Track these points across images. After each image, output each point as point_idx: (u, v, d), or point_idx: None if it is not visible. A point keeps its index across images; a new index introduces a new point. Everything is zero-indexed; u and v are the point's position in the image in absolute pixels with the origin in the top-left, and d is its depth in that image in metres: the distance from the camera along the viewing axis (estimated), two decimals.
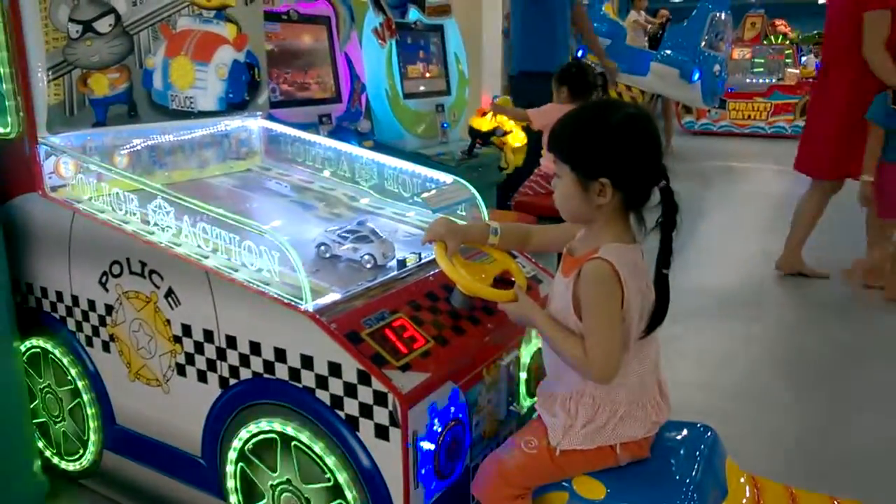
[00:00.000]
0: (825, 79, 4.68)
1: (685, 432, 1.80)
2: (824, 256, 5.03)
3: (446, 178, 2.54)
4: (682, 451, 1.73)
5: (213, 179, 2.70)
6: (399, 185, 2.66)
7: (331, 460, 1.72)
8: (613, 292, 1.53)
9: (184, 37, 2.44)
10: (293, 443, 1.79)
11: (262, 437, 1.85)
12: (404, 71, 4.41)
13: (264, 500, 1.92)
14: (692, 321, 4.00)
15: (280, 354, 1.77)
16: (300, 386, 1.75)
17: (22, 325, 2.25)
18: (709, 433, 1.81)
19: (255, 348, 1.82)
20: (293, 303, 1.75)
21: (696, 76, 8.71)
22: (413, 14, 4.54)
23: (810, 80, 14.55)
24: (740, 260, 5.42)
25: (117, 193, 2.16)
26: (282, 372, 1.78)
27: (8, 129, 2.14)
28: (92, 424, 2.30)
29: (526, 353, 2.07)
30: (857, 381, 3.38)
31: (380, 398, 1.62)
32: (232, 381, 1.90)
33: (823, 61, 4.81)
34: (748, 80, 13.50)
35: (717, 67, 8.94)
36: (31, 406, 2.38)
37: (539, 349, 1.97)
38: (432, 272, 2.04)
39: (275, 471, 1.86)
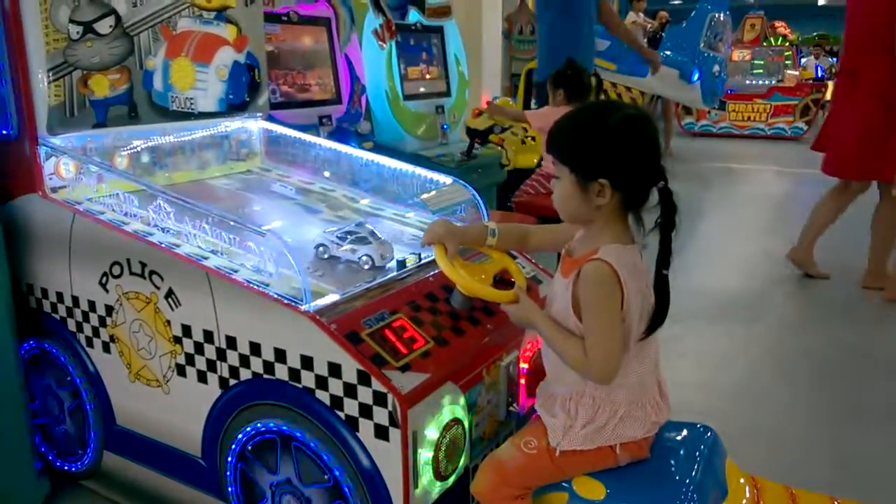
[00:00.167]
0: (851, 79, 4.59)
1: (685, 433, 1.80)
2: (826, 257, 5.03)
3: (446, 179, 2.54)
4: (681, 452, 1.73)
5: (213, 180, 2.70)
6: (399, 186, 2.66)
7: (330, 460, 1.72)
8: (613, 293, 1.53)
9: (184, 38, 2.44)
10: (293, 443, 1.79)
11: (261, 437, 1.85)
12: (404, 72, 4.42)
13: (264, 501, 1.92)
14: (692, 322, 4.01)
15: (280, 355, 1.77)
16: (300, 386, 1.75)
17: (22, 325, 2.25)
18: (709, 433, 1.81)
19: (255, 349, 1.82)
20: (293, 303, 1.75)
21: (696, 77, 8.73)
22: (413, 15, 4.55)
23: (810, 81, 14.59)
24: (740, 261, 5.42)
25: (118, 194, 2.16)
26: (282, 372, 1.78)
27: (8, 130, 2.14)
28: (92, 425, 2.30)
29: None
30: (857, 381, 3.38)
31: (379, 398, 1.62)
32: (232, 382, 1.90)
33: (847, 61, 4.68)
34: (748, 82, 13.51)
35: (716, 68, 8.95)
36: (32, 407, 2.38)
37: (539, 350, 1.97)
38: (432, 273, 2.05)
39: (275, 471, 1.86)
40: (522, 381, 2.06)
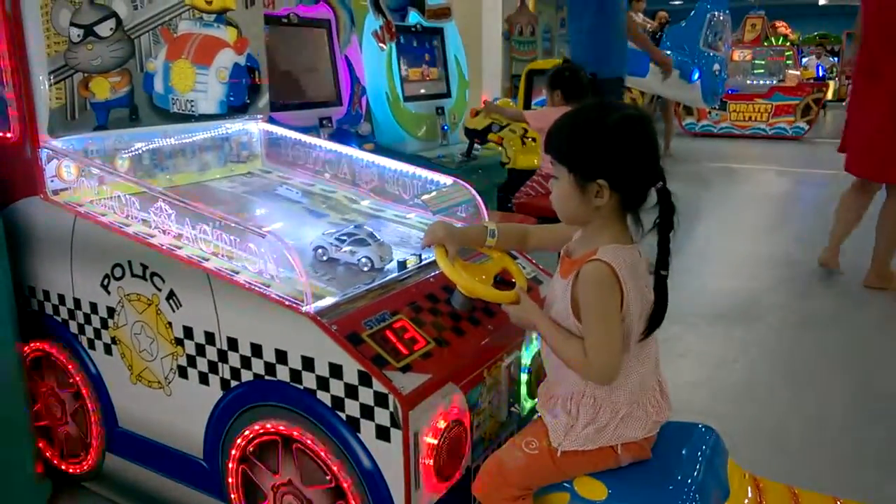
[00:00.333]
0: (871, 78, 4.54)
1: (687, 433, 1.80)
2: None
3: (446, 179, 2.55)
4: (683, 452, 1.73)
5: (213, 182, 2.71)
6: (399, 187, 2.67)
7: (332, 461, 1.73)
8: (612, 293, 1.53)
9: (184, 40, 2.44)
10: (294, 444, 1.79)
11: (263, 438, 1.85)
12: (404, 74, 4.42)
13: (266, 502, 1.92)
14: (693, 322, 4.01)
15: (281, 356, 1.78)
16: (301, 387, 1.75)
17: (24, 328, 2.25)
18: (710, 434, 1.81)
19: (257, 350, 1.82)
20: (294, 304, 1.75)
21: (696, 76, 8.73)
22: (413, 17, 4.55)
23: (811, 81, 14.60)
24: (742, 261, 5.42)
25: (119, 196, 2.17)
26: (283, 374, 1.78)
27: (10, 133, 2.14)
28: (94, 427, 2.30)
29: (527, 355, 2.08)
30: (859, 381, 3.38)
31: (381, 399, 1.63)
32: (233, 383, 1.91)
33: (867, 61, 4.60)
34: (749, 82, 13.51)
35: (716, 67, 8.95)
36: (34, 409, 2.38)
37: (539, 350, 1.97)
38: (433, 274, 2.05)
39: (276, 472, 1.87)
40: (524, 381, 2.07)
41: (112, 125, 2.29)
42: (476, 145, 4.59)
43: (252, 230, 1.89)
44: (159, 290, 2.00)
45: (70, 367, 2.28)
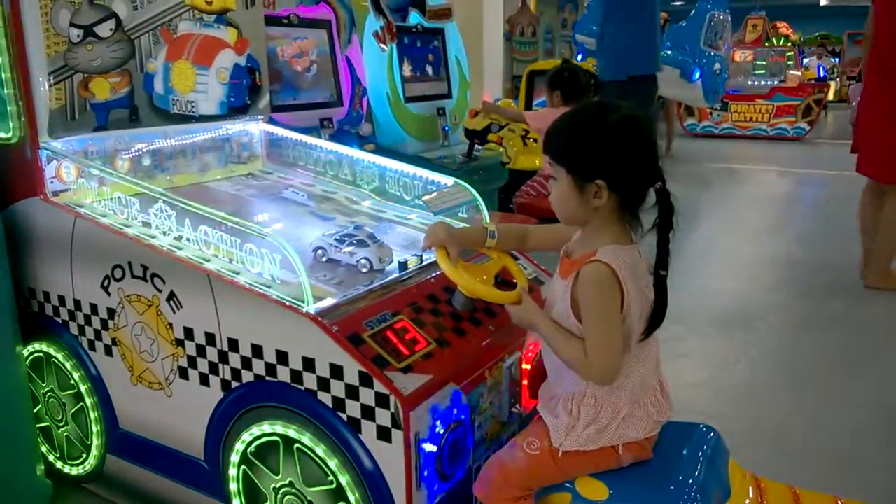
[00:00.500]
0: (885, 77, 4.48)
1: (688, 433, 1.80)
2: (828, 258, 5.03)
3: (447, 180, 2.54)
4: (684, 452, 1.72)
5: (214, 183, 2.71)
6: (400, 187, 2.67)
7: (333, 462, 1.72)
8: (613, 294, 1.53)
9: (185, 41, 2.44)
10: (295, 445, 1.79)
11: (264, 439, 1.85)
12: (405, 74, 4.42)
13: (267, 503, 1.91)
14: (694, 322, 4.00)
15: (282, 357, 1.77)
16: (302, 388, 1.75)
17: (24, 329, 2.25)
18: (711, 434, 1.81)
19: (257, 351, 1.82)
20: (295, 305, 1.75)
21: (697, 75, 8.73)
22: (414, 17, 4.55)
23: (812, 81, 14.60)
24: (743, 262, 5.41)
25: (119, 197, 2.16)
26: (284, 374, 1.78)
27: (9, 134, 2.14)
28: (95, 428, 2.30)
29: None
30: (860, 381, 3.37)
31: (382, 400, 1.62)
32: (234, 384, 1.90)
33: (882, 62, 4.53)
34: (750, 82, 13.52)
35: (717, 66, 8.96)
36: (35, 410, 2.38)
37: (540, 351, 1.97)
38: (433, 274, 2.05)
39: (277, 473, 1.86)
40: (524, 381, 2.06)
41: (112, 126, 2.29)
42: (477, 146, 4.59)
43: (252, 231, 1.89)
44: (160, 291, 1.99)
45: (70, 368, 2.28)
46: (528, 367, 2.06)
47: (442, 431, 1.70)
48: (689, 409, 2.76)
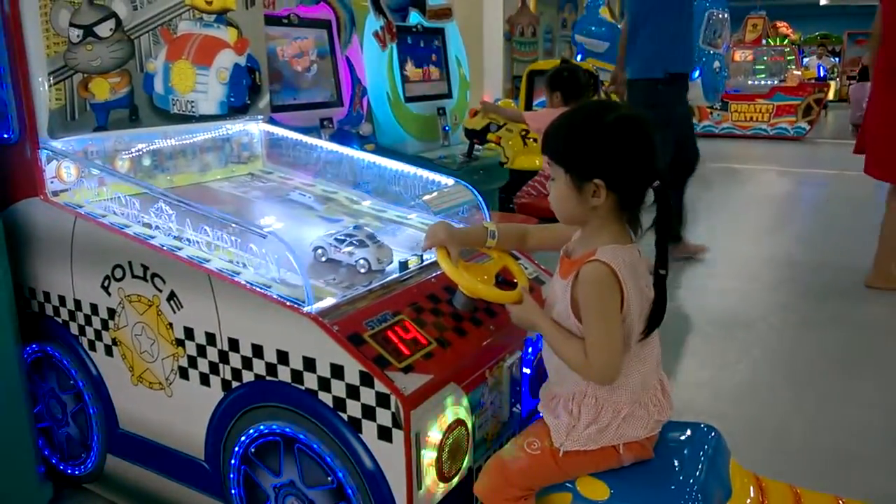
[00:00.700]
0: (894, 77, 4.45)
1: (689, 433, 1.80)
2: (829, 258, 5.03)
3: (448, 180, 2.54)
4: (685, 452, 1.72)
5: (214, 183, 2.70)
6: (401, 187, 2.66)
7: (334, 462, 1.72)
8: (612, 294, 1.53)
9: (184, 41, 2.44)
10: (296, 445, 1.78)
11: (264, 439, 1.85)
12: (405, 74, 4.42)
13: (268, 503, 1.91)
14: (695, 322, 4.00)
15: (282, 357, 1.77)
16: (303, 388, 1.75)
17: (25, 329, 2.25)
18: (712, 433, 1.81)
19: (258, 351, 1.82)
20: (295, 305, 1.75)
21: (697, 73, 8.73)
22: (414, 17, 4.54)
23: (812, 81, 14.59)
24: (743, 261, 5.42)
25: (119, 197, 2.16)
26: (284, 374, 1.78)
27: (9, 134, 2.14)
28: (95, 429, 2.29)
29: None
30: (861, 381, 3.37)
31: (382, 400, 1.62)
32: (234, 384, 1.90)
33: (888, 60, 4.49)
34: (750, 82, 13.52)
35: (716, 64, 8.96)
36: (35, 411, 2.38)
37: (541, 351, 1.97)
38: (434, 274, 2.04)
39: (278, 473, 1.86)
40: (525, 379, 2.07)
41: (112, 126, 2.29)
42: (477, 146, 4.59)
43: (253, 230, 1.89)
44: (160, 291, 1.99)
45: (71, 368, 2.28)
46: (528, 371, 2.07)
47: (442, 431, 1.70)
48: (690, 409, 2.77)
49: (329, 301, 1.82)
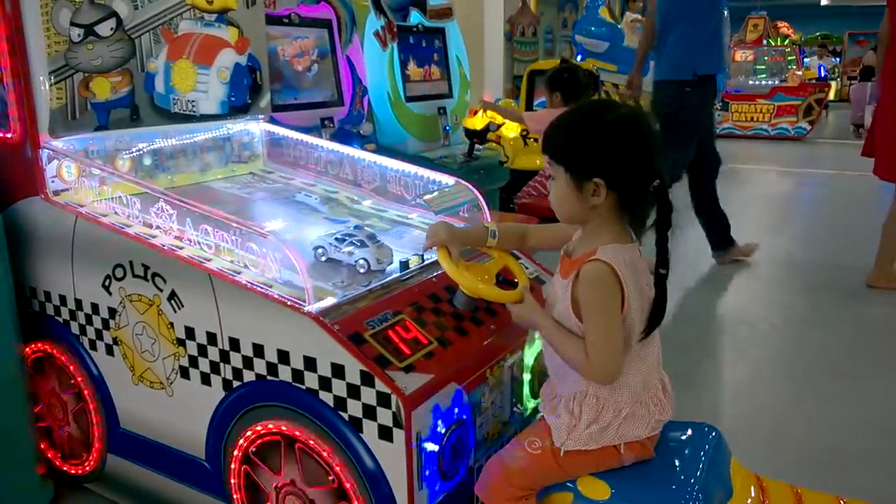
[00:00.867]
0: None
1: (689, 432, 1.80)
2: (829, 258, 5.02)
3: (448, 179, 2.54)
4: (686, 452, 1.72)
5: (215, 183, 2.70)
6: (401, 187, 2.66)
7: (334, 462, 1.72)
8: (613, 293, 1.53)
9: (185, 40, 2.44)
10: (297, 445, 1.78)
11: (265, 438, 1.85)
12: (406, 74, 4.42)
13: (269, 502, 1.91)
14: (695, 320, 4.00)
15: (283, 356, 1.77)
16: (303, 388, 1.75)
17: (25, 329, 2.25)
18: (713, 433, 1.81)
19: (259, 350, 1.82)
20: (296, 305, 1.75)
21: None
22: (414, 17, 4.54)
23: (813, 81, 14.58)
24: (744, 261, 5.40)
25: (120, 197, 2.16)
26: (285, 374, 1.78)
27: (10, 134, 2.14)
28: (96, 428, 2.29)
29: (529, 355, 2.07)
30: (862, 379, 3.37)
31: (383, 399, 1.62)
32: (235, 384, 1.90)
33: None
34: (751, 82, 13.51)
35: None
36: (36, 410, 2.38)
37: (542, 351, 1.97)
38: (435, 274, 2.04)
39: (279, 473, 1.86)
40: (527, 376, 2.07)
41: (113, 125, 2.29)
42: (477, 145, 4.59)
43: (253, 230, 1.89)
44: (161, 290, 1.99)
45: (71, 368, 2.28)
46: (529, 370, 2.07)
47: (443, 431, 1.70)
48: (691, 408, 2.76)
49: (330, 301, 1.82)
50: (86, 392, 2.28)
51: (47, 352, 2.33)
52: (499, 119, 4.84)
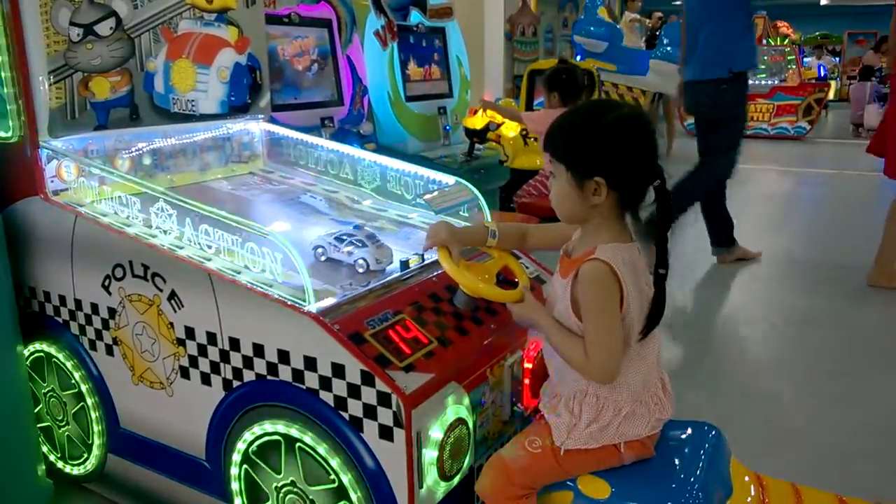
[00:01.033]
0: None
1: (689, 431, 1.80)
2: (830, 258, 5.02)
3: (448, 179, 2.54)
4: (686, 450, 1.72)
5: (215, 182, 2.70)
6: (402, 187, 2.66)
7: (335, 462, 1.72)
8: (612, 293, 1.54)
9: (185, 40, 2.44)
10: (297, 444, 1.78)
11: (266, 439, 1.85)
12: (406, 73, 4.42)
13: (269, 503, 1.91)
14: (695, 320, 4.00)
15: (283, 356, 1.77)
16: (304, 387, 1.75)
17: (25, 329, 2.25)
18: (713, 432, 1.81)
19: (259, 350, 1.82)
20: (296, 304, 1.74)
21: None
22: (415, 16, 4.55)
23: (812, 81, 14.58)
24: (744, 260, 5.40)
25: (119, 197, 2.16)
26: (285, 374, 1.78)
27: (9, 133, 2.14)
28: (96, 428, 2.29)
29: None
30: (862, 378, 3.37)
31: (383, 399, 1.62)
32: (235, 384, 1.90)
33: None
34: (750, 82, 13.48)
35: None
36: (35, 410, 2.38)
37: (542, 350, 1.97)
38: (435, 273, 2.04)
39: (279, 473, 1.86)
40: (526, 380, 2.06)
41: (112, 125, 2.29)
42: (477, 145, 4.59)
43: (253, 230, 1.89)
44: (161, 290, 1.99)
45: (71, 368, 2.28)
46: (530, 365, 2.06)
47: (444, 430, 1.69)
48: (691, 407, 2.76)
49: (330, 300, 1.82)
50: (86, 392, 2.27)
51: (47, 352, 2.33)
52: (498, 118, 4.85)
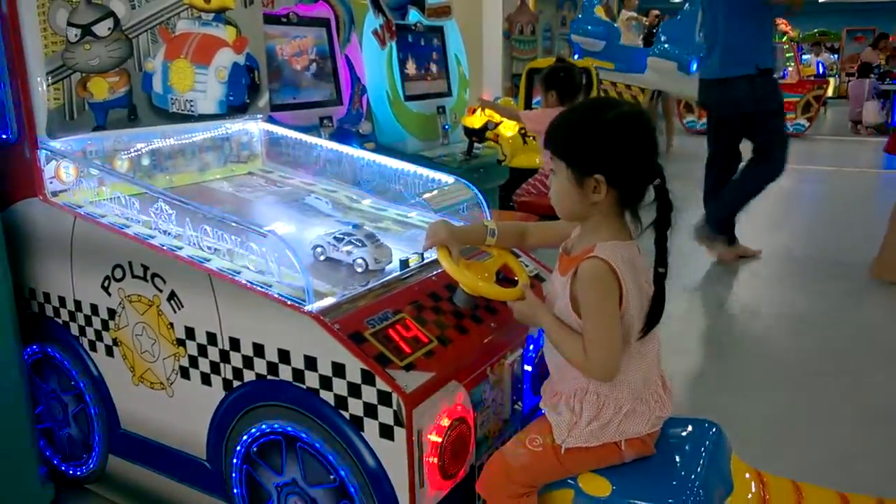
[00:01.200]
0: None
1: (690, 429, 1.80)
2: (831, 255, 5.02)
3: (448, 178, 2.54)
4: (687, 448, 1.72)
5: (214, 182, 2.70)
6: (401, 186, 2.66)
7: (336, 461, 1.72)
8: (611, 291, 1.54)
9: (183, 40, 2.44)
10: (298, 444, 1.78)
11: (266, 438, 1.85)
12: (405, 73, 4.42)
13: (270, 502, 1.91)
14: (695, 318, 4.00)
15: (284, 356, 1.77)
16: (304, 387, 1.75)
17: (25, 330, 2.25)
18: (714, 429, 1.81)
19: (259, 350, 1.82)
20: (296, 304, 1.74)
21: (695, 66, 8.72)
22: (413, 16, 4.54)
23: (811, 78, 14.57)
24: (744, 258, 5.40)
25: (118, 197, 2.16)
26: (286, 373, 1.78)
27: (8, 134, 2.14)
28: (96, 429, 2.29)
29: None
30: (862, 376, 3.36)
31: (384, 398, 1.62)
32: (236, 384, 1.90)
33: None
34: None
35: None
36: (36, 412, 2.38)
37: (542, 348, 1.97)
38: (435, 272, 2.04)
39: (280, 472, 1.86)
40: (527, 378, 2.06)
41: (111, 125, 2.28)
42: (476, 144, 4.59)
43: (253, 229, 1.89)
44: (160, 290, 1.99)
45: (71, 369, 2.28)
46: (529, 368, 2.07)
47: (444, 429, 1.69)
48: (691, 405, 2.76)
49: (330, 300, 1.82)
50: (86, 393, 2.27)
51: (47, 353, 2.33)
52: (497, 117, 4.85)
